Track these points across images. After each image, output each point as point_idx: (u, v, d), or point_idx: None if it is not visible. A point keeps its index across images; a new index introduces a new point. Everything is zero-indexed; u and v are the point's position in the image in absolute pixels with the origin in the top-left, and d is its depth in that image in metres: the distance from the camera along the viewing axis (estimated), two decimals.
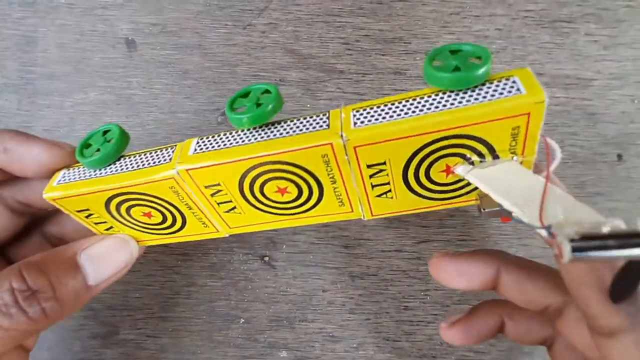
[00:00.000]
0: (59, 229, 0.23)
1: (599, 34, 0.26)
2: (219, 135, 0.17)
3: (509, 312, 0.19)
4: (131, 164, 0.18)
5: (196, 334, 0.28)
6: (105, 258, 0.19)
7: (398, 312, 0.27)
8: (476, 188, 0.16)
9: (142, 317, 0.28)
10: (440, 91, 0.14)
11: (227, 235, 0.20)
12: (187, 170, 0.16)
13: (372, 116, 0.14)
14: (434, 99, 0.14)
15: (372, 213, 0.18)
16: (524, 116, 0.13)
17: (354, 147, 0.14)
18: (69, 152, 0.19)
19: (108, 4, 0.28)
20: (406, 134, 0.14)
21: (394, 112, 0.14)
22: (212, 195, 0.17)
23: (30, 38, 0.28)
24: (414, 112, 0.14)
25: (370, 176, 0.16)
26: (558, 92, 0.26)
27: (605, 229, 0.11)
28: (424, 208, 0.17)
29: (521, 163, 0.15)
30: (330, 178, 0.16)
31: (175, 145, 0.18)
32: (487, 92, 0.13)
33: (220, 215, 0.19)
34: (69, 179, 0.18)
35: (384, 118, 0.14)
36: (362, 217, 0.18)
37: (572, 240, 0.11)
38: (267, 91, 0.16)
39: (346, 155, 0.15)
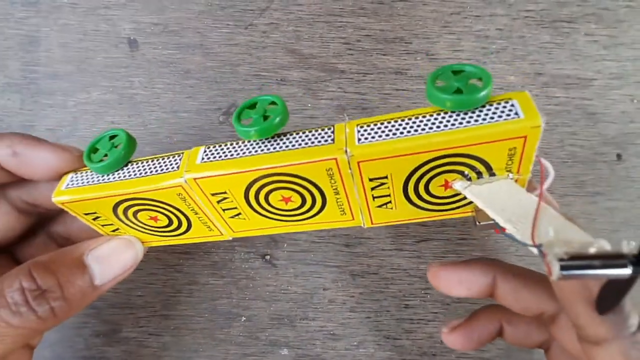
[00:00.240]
0: (65, 228, 0.23)
1: (599, 34, 0.26)
2: (225, 145, 0.17)
3: (508, 317, 0.20)
4: (139, 171, 0.18)
5: (198, 332, 0.28)
6: (112, 259, 0.19)
7: (398, 311, 0.27)
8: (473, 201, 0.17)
9: (144, 315, 0.28)
10: (442, 111, 0.15)
11: (230, 239, 0.21)
12: (195, 179, 0.17)
13: (376, 132, 0.15)
14: (435, 119, 0.15)
15: (372, 221, 0.18)
16: (521, 139, 0.14)
17: (358, 162, 0.15)
18: (77, 156, 0.19)
19: (110, 3, 0.28)
20: (408, 151, 0.14)
21: (397, 129, 0.15)
22: (219, 202, 0.18)
23: (33, 38, 0.28)
24: (416, 130, 0.14)
25: (372, 188, 0.16)
26: (558, 91, 0.27)
27: (592, 250, 0.12)
28: (422, 218, 0.18)
29: (516, 181, 0.16)
30: (333, 190, 0.17)
31: (182, 153, 0.18)
32: (486, 115, 0.14)
33: (225, 221, 0.19)
34: (77, 184, 0.18)
35: (387, 135, 0.15)
36: (362, 225, 0.19)
37: (561, 260, 0.12)
38: (273, 102, 0.17)
39: (350, 169, 0.15)
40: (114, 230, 0.21)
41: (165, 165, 0.18)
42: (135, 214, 0.19)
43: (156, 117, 0.28)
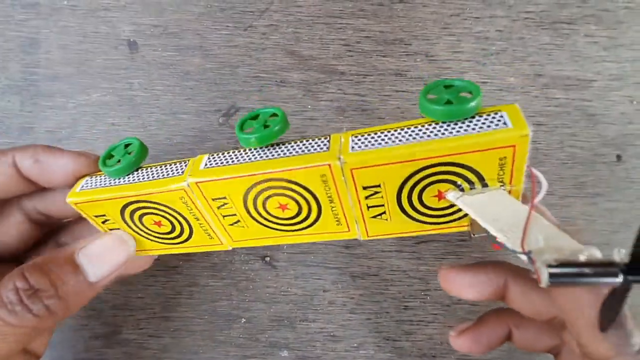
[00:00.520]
0: (73, 238, 0.24)
1: (598, 35, 0.27)
2: (228, 153, 0.18)
3: (517, 321, 0.20)
4: (147, 175, 0.19)
5: (198, 333, 0.28)
6: (103, 255, 0.20)
7: (398, 312, 0.27)
8: (467, 214, 0.17)
9: (144, 317, 0.28)
10: (433, 122, 0.15)
11: (230, 249, 0.21)
12: (196, 183, 0.17)
13: (369, 142, 0.16)
14: (427, 129, 0.15)
15: (367, 234, 0.19)
16: (510, 148, 0.14)
17: (351, 170, 0.16)
18: (94, 160, 0.20)
19: (110, 5, 0.28)
20: (399, 159, 0.15)
21: (390, 138, 0.15)
22: (219, 207, 0.18)
23: (33, 40, 0.28)
24: (407, 139, 0.15)
25: (366, 197, 0.17)
26: (558, 93, 0.27)
27: (582, 257, 0.12)
28: (418, 231, 0.18)
29: (509, 192, 0.16)
30: (328, 197, 0.17)
31: (188, 160, 0.19)
32: (476, 125, 0.14)
33: (225, 228, 0.20)
34: (91, 186, 0.20)
35: (379, 144, 0.15)
36: (358, 238, 0.19)
37: (549, 266, 0.12)
38: (274, 114, 0.17)
39: (343, 176, 0.16)
40: None
41: (172, 171, 0.19)
42: (141, 217, 0.20)
43: (156, 119, 0.28)
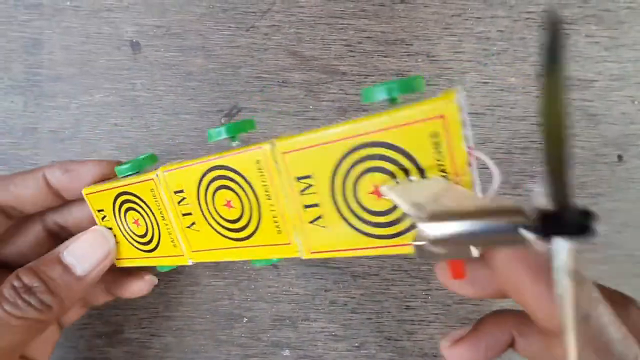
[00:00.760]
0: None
1: (599, 36, 0.27)
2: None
3: (520, 327, 0.17)
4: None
5: (200, 333, 0.28)
6: (86, 250, 0.22)
7: (400, 312, 0.28)
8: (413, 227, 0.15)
9: (146, 316, 0.29)
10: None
11: (190, 263, 0.21)
12: (163, 173, 0.19)
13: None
14: (359, 117, 0.15)
15: (310, 249, 0.17)
16: (439, 120, 0.13)
17: (283, 154, 0.16)
18: (114, 163, 0.23)
19: (113, 6, 0.28)
20: (326, 140, 0.15)
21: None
22: (179, 202, 0.20)
23: (36, 40, 0.29)
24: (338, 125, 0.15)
25: (301, 192, 0.16)
26: None
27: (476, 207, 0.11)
28: (362, 248, 0.16)
29: (457, 184, 0.13)
30: (265, 191, 0.17)
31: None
32: (405, 105, 0.14)
33: (183, 230, 0.20)
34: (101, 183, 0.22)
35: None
36: (299, 255, 0.17)
37: (428, 219, 0.11)
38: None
39: (276, 163, 0.16)
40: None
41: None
42: (126, 212, 0.22)
43: (158, 119, 0.28)
